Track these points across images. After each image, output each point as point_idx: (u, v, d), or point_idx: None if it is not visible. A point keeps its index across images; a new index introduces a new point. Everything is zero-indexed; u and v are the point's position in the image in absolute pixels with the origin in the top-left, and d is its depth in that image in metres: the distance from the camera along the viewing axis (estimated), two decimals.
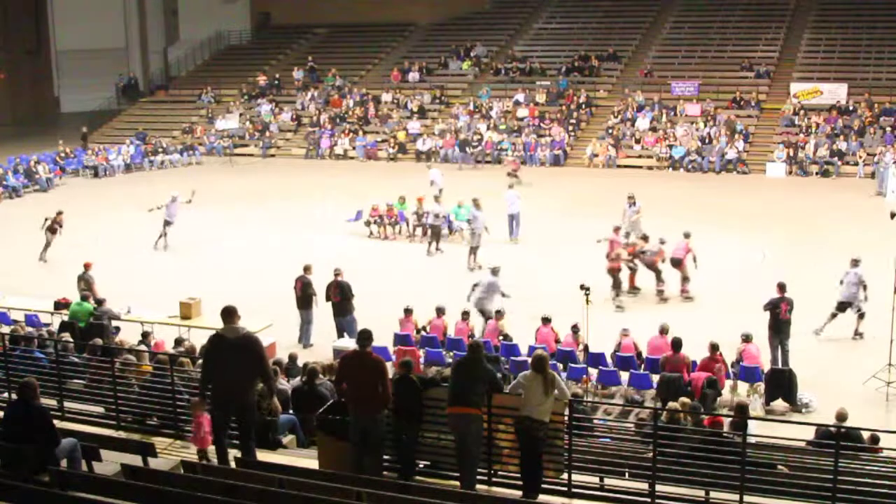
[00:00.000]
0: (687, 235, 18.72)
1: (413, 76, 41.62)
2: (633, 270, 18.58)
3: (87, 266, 17.73)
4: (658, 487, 8.40)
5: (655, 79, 38.14)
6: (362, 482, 8.15)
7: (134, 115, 44.47)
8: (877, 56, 36.55)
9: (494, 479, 8.93)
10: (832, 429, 10.08)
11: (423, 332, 15.48)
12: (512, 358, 14.19)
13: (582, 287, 13.98)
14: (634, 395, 14.03)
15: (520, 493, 8.59)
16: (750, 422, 10.67)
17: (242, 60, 47.21)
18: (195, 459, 9.06)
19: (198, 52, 49.10)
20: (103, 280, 17.98)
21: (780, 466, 9.31)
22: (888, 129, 32.13)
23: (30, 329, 15.37)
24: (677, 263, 18.39)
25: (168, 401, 10.18)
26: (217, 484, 7.80)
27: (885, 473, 9.50)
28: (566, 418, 8.80)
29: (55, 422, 8.73)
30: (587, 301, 13.97)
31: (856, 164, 31.25)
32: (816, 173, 31.60)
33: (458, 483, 8.66)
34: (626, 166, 33.75)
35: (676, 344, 13.39)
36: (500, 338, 15.00)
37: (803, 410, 13.35)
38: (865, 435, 10.56)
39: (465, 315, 15.31)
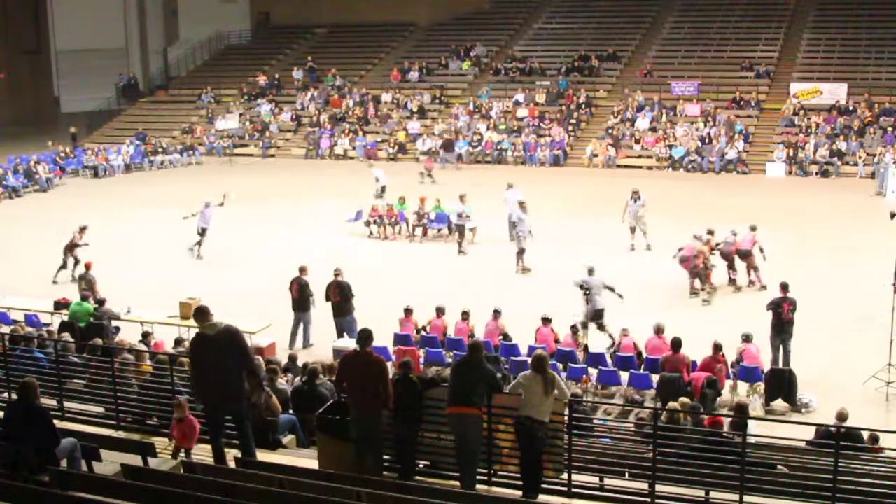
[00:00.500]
0: (753, 228, 19.11)
1: (413, 76, 41.63)
2: (710, 269, 18.75)
3: (87, 266, 17.76)
4: (658, 487, 8.40)
5: (655, 79, 38.15)
6: (362, 482, 8.16)
7: (134, 115, 44.48)
8: (877, 56, 36.56)
9: (494, 479, 8.93)
10: (832, 429, 10.08)
11: (423, 332, 15.47)
12: (512, 358, 14.19)
13: (582, 287, 13.98)
14: (634, 395, 14.03)
15: (520, 493, 8.59)
16: (750, 422, 10.67)
17: (242, 60, 47.23)
18: (195, 459, 9.06)
19: (198, 52, 49.12)
20: (103, 280, 17.99)
21: (779, 466, 9.31)
22: (888, 129, 32.13)
23: (30, 329, 15.37)
24: (745, 255, 18.81)
25: (168, 401, 10.18)
26: (217, 484, 7.80)
27: (885, 473, 9.51)
28: (566, 418, 8.80)
29: (55, 422, 8.73)
30: (587, 301, 13.96)
31: (856, 164, 31.26)
32: (816, 173, 31.61)
33: (458, 483, 8.66)
34: (625, 166, 33.75)
35: (676, 344, 13.39)
36: (500, 338, 14.99)
37: (803, 410, 13.35)
38: (865, 435, 10.56)
39: (466, 315, 15.30)
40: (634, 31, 42.40)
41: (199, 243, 22.15)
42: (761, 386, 13.69)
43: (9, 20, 49.72)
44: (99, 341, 13.06)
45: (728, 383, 13.74)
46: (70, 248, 20.32)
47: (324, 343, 15.48)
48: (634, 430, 11.81)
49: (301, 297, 16.26)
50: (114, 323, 15.67)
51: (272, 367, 11.72)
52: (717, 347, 13.45)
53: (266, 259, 21.99)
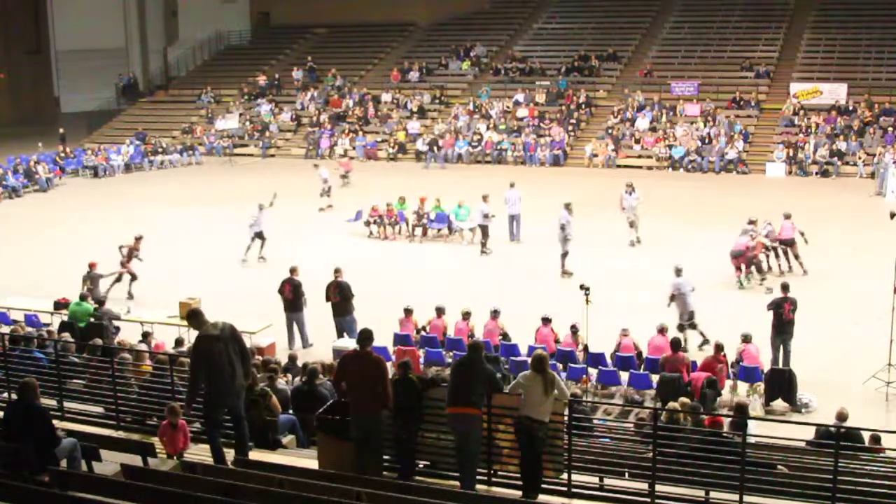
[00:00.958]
0: (788, 216, 19.77)
1: (413, 76, 41.63)
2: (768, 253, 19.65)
3: (91, 266, 17.71)
4: (658, 487, 8.40)
5: (655, 79, 38.15)
6: (362, 482, 8.16)
7: (134, 115, 44.48)
8: (877, 56, 36.55)
9: (494, 479, 8.93)
10: (832, 429, 10.08)
11: (423, 332, 15.47)
12: (512, 358, 14.19)
13: (582, 287, 13.98)
14: (634, 395, 14.03)
15: (520, 493, 8.59)
16: (750, 422, 10.68)
17: (242, 60, 47.22)
18: (195, 459, 9.06)
19: (198, 52, 49.12)
20: (103, 280, 17.99)
21: (779, 466, 9.31)
22: (888, 129, 32.13)
23: (30, 329, 15.37)
24: (791, 244, 19.55)
25: (168, 401, 10.17)
26: (217, 484, 7.81)
27: (885, 473, 9.51)
28: (566, 418, 8.80)
29: (55, 422, 8.73)
30: (587, 301, 13.96)
31: (855, 164, 31.26)
32: (816, 173, 31.61)
33: (458, 483, 8.66)
34: (625, 166, 33.72)
35: (675, 344, 13.39)
36: (500, 338, 14.99)
37: (803, 410, 13.35)
38: (867, 435, 10.56)
39: (466, 315, 15.30)
40: (634, 31, 42.39)
41: (261, 247, 21.85)
42: (761, 386, 13.70)
43: (9, 20, 49.72)
44: (99, 341, 13.06)
45: (728, 383, 13.74)
46: (127, 260, 19.14)
47: (324, 343, 15.48)
48: (634, 430, 11.81)
49: (295, 298, 16.27)
50: (114, 323, 15.67)
51: (272, 367, 11.73)
52: (719, 347, 13.46)
53: (266, 259, 21.98)
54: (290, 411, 10.83)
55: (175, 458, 9.21)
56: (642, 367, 14.04)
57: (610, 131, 35.16)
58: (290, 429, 10.59)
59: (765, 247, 19.31)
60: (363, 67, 43.98)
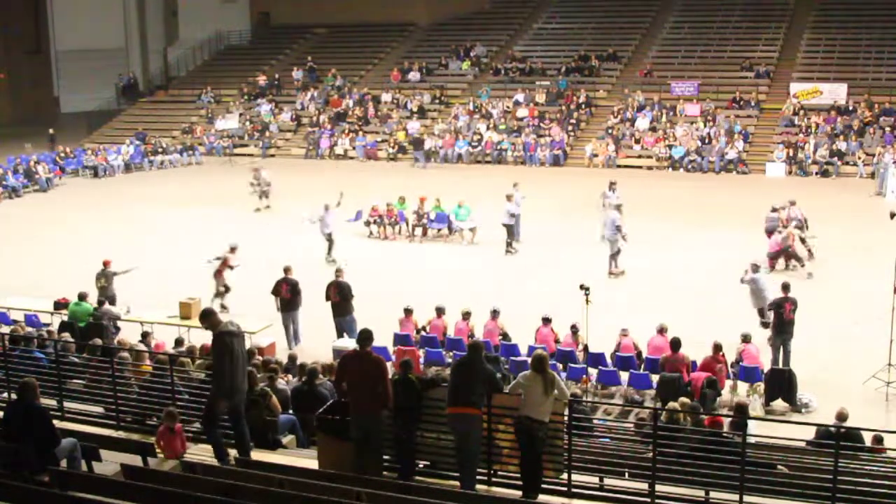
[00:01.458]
0: (793, 203, 21.17)
1: (413, 76, 41.63)
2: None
3: (105, 263, 17.64)
4: (658, 487, 8.40)
5: (655, 79, 38.14)
6: (362, 482, 8.16)
7: (134, 115, 44.48)
8: (877, 56, 36.55)
9: (494, 479, 8.93)
10: (832, 429, 10.08)
11: (423, 332, 15.47)
12: (512, 358, 14.19)
13: (582, 287, 13.97)
14: (634, 395, 14.03)
15: (520, 493, 8.59)
16: (750, 422, 10.68)
17: (242, 60, 47.22)
18: (195, 459, 9.06)
19: (198, 52, 49.11)
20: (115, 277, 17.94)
21: (779, 466, 9.31)
22: (888, 129, 32.12)
23: (30, 329, 15.37)
24: (803, 227, 20.83)
25: (168, 401, 10.18)
26: (217, 484, 7.81)
27: (885, 473, 9.51)
28: (566, 418, 8.80)
29: (55, 422, 8.73)
30: (587, 301, 13.96)
31: (855, 164, 31.27)
32: (816, 173, 31.61)
33: (458, 483, 8.66)
34: (625, 166, 33.75)
35: (675, 344, 13.39)
36: (500, 338, 14.99)
37: (803, 410, 13.35)
38: (869, 435, 10.55)
39: (466, 315, 15.30)
40: (634, 31, 42.39)
41: (330, 249, 21.58)
42: (761, 386, 13.70)
43: (9, 20, 49.72)
44: (99, 341, 13.06)
45: (728, 383, 13.74)
46: (220, 271, 18.46)
47: (324, 343, 15.48)
48: (634, 430, 11.81)
49: (293, 297, 16.29)
50: (114, 323, 15.66)
51: (272, 367, 11.73)
52: (717, 347, 13.46)
53: (266, 259, 21.96)
54: (290, 411, 10.84)
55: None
56: (642, 367, 14.05)
57: (610, 131, 35.15)
58: (290, 429, 10.59)
59: (793, 238, 20.08)
60: (363, 67, 43.98)
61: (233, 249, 18.74)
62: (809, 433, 10.72)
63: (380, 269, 21.06)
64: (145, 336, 14.68)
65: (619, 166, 33.72)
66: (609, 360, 14.33)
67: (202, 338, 12.29)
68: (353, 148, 37.28)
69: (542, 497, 8.52)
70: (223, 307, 17.72)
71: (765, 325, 15.71)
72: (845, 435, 10.04)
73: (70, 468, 8.33)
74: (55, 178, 33.60)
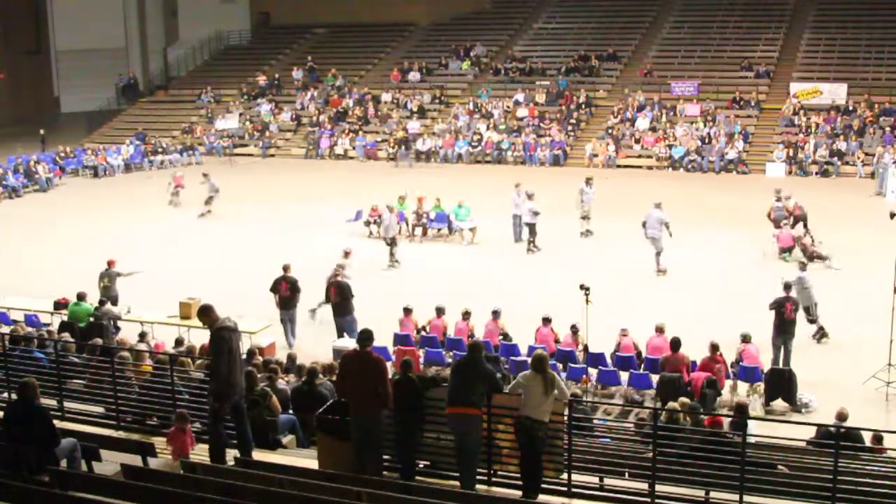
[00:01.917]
0: (788, 197, 22.23)
1: (413, 76, 41.62)
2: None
3: (110, 263, 17.62)
4: (658, 487, 8.40)
5: (655, 79, 38.14)
6: (362, 482, 8.16)
7: (134, 115, 44.45)
8: (877, 56, 36.55)
9: (494, 479, 8.93)
10: (832, 429, 10.08)
11: (423, 332, 15.47)
12: (512, 358, 14.19)
13: (582, 287, 13.97)
14: (634, 395, 14.03)
15: (520, 493, 8.59)
16: (750, 422, 10.68)
17: (242, 60, 47.21)
18: (195, 459, 9.06)
19: (197, 52, 49.10)
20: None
21: (779, 466, 9.31)
22: (888, 129, 32.12)
23: (30, 329, 15.36)
24: (805, 218, 21.90)
25: (168, 401, 10.18)
26: (217, 484, 7.81)
27: (885, 473, 9.51)
28: (566, 418, 8.80)
29: (55, 422, 8.73)
30: (587, 301, 13.96)
31: (855, 164, 31.26)
32: (816, 173, 31.61)
33: (458, 483, 8.66)
34: (625, 166, 33.75)
35: (675, 344, 13.39)
36: (500, 338, 14.99)
37: (803, 410, 13.35)
38: (869, 435, 10.56)
39: (466, 315, 15.30)
40: (634, 31, 42.38)
41: (392, 253, 21.17)
42: (761, 386, 13.70)
43: (9, 20, 49.70)
44: (99, 341, 13.06)
45: (728, 383, 13.74)
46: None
47: (324, 343, 15.48)
48: (634, 430, 11.82)
49: (292, 295, 16.31)
50: (115, 323, 15.66)
51: (272, 367, 11.73)
52: (714, 348, 13.45)
53: (266, 259, 21.96)
54: (290, 411, 10.84)
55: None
56: (642, 367, 14.05)
57: (610, 131, 35.14)
58: (290, 429, 10.59)
59: (803, 238, 21.07)
60: (363, 67, 43.97)
61: (346, 254, 18.21)
62: (809, 433, 10.72)
63: (380, 269, 21.04)
64: (143, 336, 14.66)
65: (619, 166, 33.73)
66: (609, 360, 14.33)
67: (202, 338, 12.28)
68: (353, 148, 37.26)
69: (542, 497, 8.52)
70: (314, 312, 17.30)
71: (811, 321, 15.89)
72: (845, 435, 10.04)
73: (70, 468, 8.33)
74: (55, 178, 33.59)
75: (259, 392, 10.30)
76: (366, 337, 8.90)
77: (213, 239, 24.49)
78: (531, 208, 22.07)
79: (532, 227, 22.15)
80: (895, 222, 14.49)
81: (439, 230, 23.95)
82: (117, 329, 15.53)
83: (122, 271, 17.52)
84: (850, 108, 33.97)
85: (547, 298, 17.24)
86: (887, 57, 36.18)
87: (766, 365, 14.07)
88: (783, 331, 14.54)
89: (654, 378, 13.53)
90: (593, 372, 14.20)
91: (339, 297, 16.00)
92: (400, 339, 15.20)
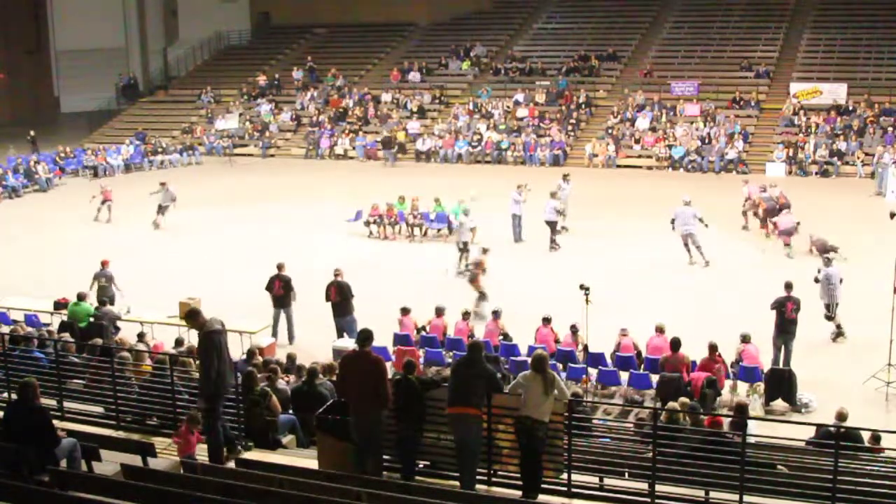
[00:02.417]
0: (773, 185, 23.16)
1: (413, 76, 41.62)
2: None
3: (104, 264, 17.63)
4: (658, 487, 8.40)
5: (655, 79, 38.13)
6: (362, 482, 8.16)
7: (134, 115, 44.46)
8: (877, 56, 36.54)
9: (494, 479, 8.93)
10: (832, 429, 10.08)
11: (423, 332, 15.46)
12: (512, 358, 14.19)
13: (581, 287, 13.97)
14: (634, 395, 14.03)
15: (519, 493, 8.60)
16: (750, 422, 10.67)
17: (242, 60, 47.20)
18: (195, 460, 9.07)
19: (197, 52, 49.09)
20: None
21: (779, 466, 9.31)
22: (888, 129, 32.12)
23: (30, 329, 15.36)
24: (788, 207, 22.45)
25: (168, 401, 10.18)
26: (217, 484, 7.81)
27: (885, 473, 9.51)
28: (566, 418, 8.80)
29: (55, 422, 8.73)
30: (587, 301, 13.96)
31: (855, 164, 31.26)
32: (816, 173, 31.61)
33: (458, 483, 8.66)
34: (625, 166, 33.76)
35: (675, 344, 13.38)
36: (500, 338, 14.99)
37: (803, 410, 13.34)
38: (867, 435, 10.56)
39: (466, 315, 15.29)
40: (634, 31, 42.38)
41: (461, 258, 20.51)
42: (761, 386, 13.69)
43: (9, 20, 49.70)
44: (99, 341, 13.05)
45: (728, 383, 13.74)
46: (477, 277, 17.65)
47: (324, 343, 15.48)
48: (634, 430, 11.81)
49: (285, 294, 16.34)
50: (115, 323, 15.65)
51: (272, 367, 11.73)
52: (713, 348, 13.43)
53: (266, 259, 21.95)
54: (290, 411, 10.84)
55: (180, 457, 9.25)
56: (642, 367, 14.04)
57: (610, 131, 35.14)
58: (290, 429, 10.59)
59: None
60: (363, 67, 43.98)
61: (485, 251, 18.27)
62: (809, 433, 10.72)
63: (380, 269, 21.06)
64: (141, 337, 14.65)
65: (618, 166, 33.74)
66: (609, 360, 14.33)
67: None
68: (353, 148, 37.27)
69: (542, 497, 8.52)
70: (486, 313, 17.12)
71: (829, 318, 15.92)
72: (845, 435, 10.04)
73: (70, 468, 8.33)
74: (55, 178, 33.58)
75: (259, 392, 10.30)
76: (365, 337, 8.90)
77: (214, 239, 24.48)
78: (555, 206, 22.19)
79: (553, 224, 22.22)
80: (895, 222, 14.48)
81: (439, 230, 23.95)
82: (117, 329, 15.52)
83: (116, 283, 17.47)
84: (850, 108, 33.97)
85: (547, 298, 17.23)
86: (887, 57, 36.18)
87: (766, 365, 14.06)
88: (784, 330, 14.52)
89: (654, 378, 13.52)
90: (593, 372, 14.19)
91: (339, 297, 16.00)
92: (400, 339, 15.20)
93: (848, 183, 30.31)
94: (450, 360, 14.40)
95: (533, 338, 14.78)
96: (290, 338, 16.46)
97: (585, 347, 14.45)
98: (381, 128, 38.38)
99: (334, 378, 10.93)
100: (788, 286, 14.78)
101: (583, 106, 37.29)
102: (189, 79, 47.44)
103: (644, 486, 8.58)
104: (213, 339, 9.00)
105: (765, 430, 11.32)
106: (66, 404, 10.68)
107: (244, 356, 13.25)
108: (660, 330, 14.24)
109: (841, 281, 15.92)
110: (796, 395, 13.48)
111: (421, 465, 9.06)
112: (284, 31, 48.24)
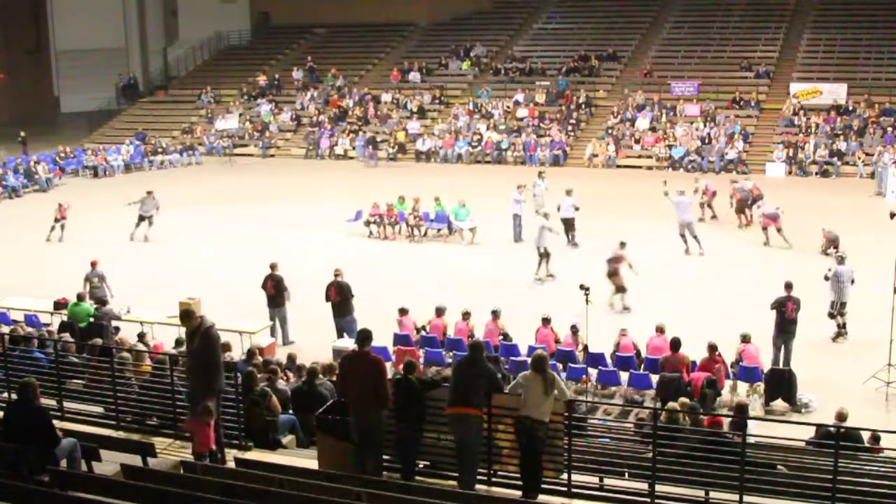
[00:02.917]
0: (746, 178, 24.39)
1: (413, 76, 41.62)
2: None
3: (93, 264, 17.64)
4: (658, 487, 8.40)
5: (655, 79, 38.13)
6: (362, 482, 8.16)
7: (134, 115, 44.47)
8: (877, 56, 36.54)
9: (494, 479, 8.93)
10: (832, 429, 10.08)
11: (423, 332, 15.46)
12: (512, 358, 14.19)
13: (581, 287, 13.97)
14: (634, 395, 14.03)
15: (519, 493, 8.60)
16: (749, 422, 10.68)
17: (242, 60, 47.21)
18: (195, 460, 9.06)
19: (197, 52, 49.10)
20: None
21: (779, 466, 9.31)
22: (888, 129, 32.12)
23: (30, 329, 15.36)
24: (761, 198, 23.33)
25: (168, 401, 10.18)
26: (217, 484, 7.81)
27: (884, 473, 9.51)
28: (565, 418, 8.80)
29: (55, 422, 8.73)
30: (587, 301, 13.96)
31: (855, 164, 31.27)
32: (816, 173, 31.61)
33: (457, 483, 8.66)
34: (625, 166, 33.76)
35: (675, 344, 13.38)
36: (500, 338, 14.99)
37: (803, 410, 13.34)
38: (866, 435, 10.56)
39: (466, 315, 15.29)
40: (634, 31, 42.38)
41: (543, 264, 19.87)
42: (761, 386, 13.70)
43: (9, 20, 49.69)
44: (99, 341, 13.05)
45: (728, 383, 13.74)
46: (616, 270, 17.25)
47: (324, 343, 15.48)
48: (634, 430, 11.81)
49: (277, 293, 16.34)
50: (114, 323, 15.66)
51: (272, 367, 11.73)
52: (713, 348, 13.43)
53: (266, 259, 21.95)
54: (291, 411, 10.84)
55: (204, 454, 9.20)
56: (642, 367, 14.05)
57: (610, 131, 35.15)
58: (290, 429, 10.59)
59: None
60: (363, 67, 43.98)
61: (623, 245, 18.06)
62: (809, 433, 10.72)
63: (380, 269, 21.06)
64: (141, 337, 14.64)
65: (619, 166, 33.74)
66: (609, 360, 14.33)
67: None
68: (353, 148, 37.27)
69: (542, 497, 8.52)
70: (626, 308, 17.36)
71: (831, 315, 15.95)
72: (845, 435, 10.04)
73: (70, 468, 8.33)
74: (55, 178, 33.58)
75: (259, 392, 10.30)
76: (364, 337, 8.90)
77: (214, 239, 24.48)
78: (573, 203, 22.27)
79: (571, 222, 22.27)
80: (895, 222, 14.48)
81: (439, 230, 23.95)
82: (116, 329, 15.52)
83: (107, 283, 17.46)
84: (850, 108, 33.97)
85: (547, 298, 17.23)
86: (887, 57, 36.18)
87: (766, 365, 14.06)
88: (784, 330, 14.52)
89: (654, 378, 13.53)
90: (593, 372, 14.19)
91: (340, 297, 15.99)
92: (400, 339, 15.19)
93: (848, 183, 30.30)
94: (450, 361, 14.40)
95: (533, 338, 14.78)
96: (284, 339, 16.42)
97: (585, 347, 14.45)
98: (382, 128, 38.40)
99: (334, 378, 10.93)
100: (788, 286, 14.79)
101: (583, 106, 37.29)
102: (189, 79, 47.44)
103: (644, 486, 8.58)
104: (215, 333, 9.06)
105: (765, 430, 11.31)
106: (66, 404, 10.68)
107: (244, 356, 13.25)
108: (660, 330, 14.25)
109: (853, 282, 15.90)
110: (796, 395, 13.49)
111: (421, 465, 9.06)
112: (284, 31, 48.24)
